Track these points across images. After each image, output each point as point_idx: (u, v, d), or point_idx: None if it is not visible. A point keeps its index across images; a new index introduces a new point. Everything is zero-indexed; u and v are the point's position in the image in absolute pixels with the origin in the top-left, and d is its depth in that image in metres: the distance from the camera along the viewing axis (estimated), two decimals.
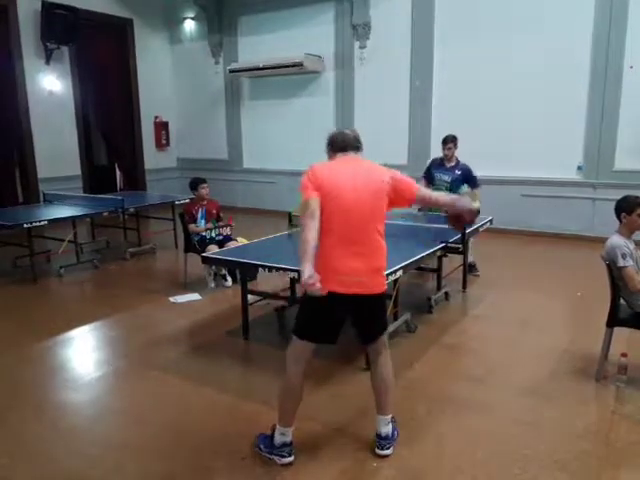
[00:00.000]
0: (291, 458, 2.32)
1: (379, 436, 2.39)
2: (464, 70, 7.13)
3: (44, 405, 2.92)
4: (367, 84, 8.00)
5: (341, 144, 2.34)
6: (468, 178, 5.06)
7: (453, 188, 5.05)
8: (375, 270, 2.24)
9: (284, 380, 2.36)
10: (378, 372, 2.41)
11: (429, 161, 5.42)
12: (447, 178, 5.08)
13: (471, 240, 5.13)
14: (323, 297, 2.09)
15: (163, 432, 2.62)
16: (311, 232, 2.07)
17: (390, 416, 2.42)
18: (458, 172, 5.07)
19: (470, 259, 5.13)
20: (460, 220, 2.48)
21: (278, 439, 2.33)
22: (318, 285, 1.97)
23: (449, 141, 5.07)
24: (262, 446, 2.39)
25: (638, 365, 3.11)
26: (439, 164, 5.20)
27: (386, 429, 2.39)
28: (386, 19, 7.67)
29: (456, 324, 4.06)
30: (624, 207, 2.95)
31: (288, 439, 2.33)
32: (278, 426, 2.34)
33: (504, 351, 3.58)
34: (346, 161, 2.31)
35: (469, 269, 5.12)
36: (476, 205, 2.46)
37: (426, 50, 7.39)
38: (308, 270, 1.99)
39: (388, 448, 2.37)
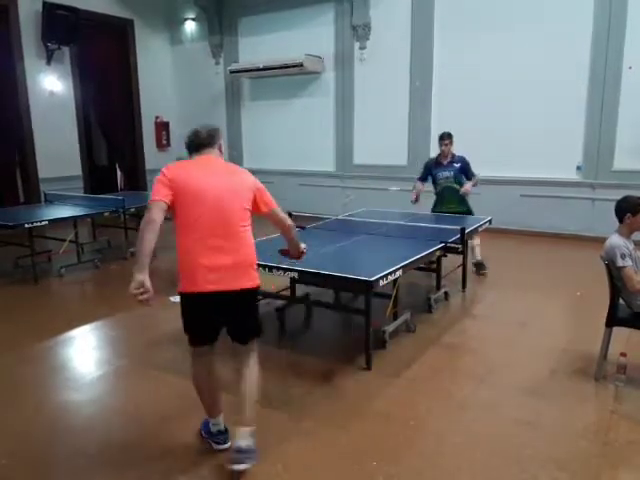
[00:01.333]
0: (226, 445, 2.39)
1: (238, 449, 2.18)
2: (464, 71, 7.15)
3: (45, 405, 2.92)
4: (367, 84, 8.01)
5: (195, 144, 2.36)
6: (466, 168, 5.23)
7: (457, 181, 5.23)
8: (242, 265, 2.23)
9: (191, 378, 2.39)
10: (245, 376, 2.31)
11: (424, 164, 5.48)
12: (449, 174, 5.22)
13: (477, 241, 5.18)
14: (192, 297, 2.20)
15: (163, 431, 2.63)
16: (149, 240, 2.15)
17: (252, 428, 2.24)
18: (457, 165, 5.22)
19: (478, 258, 5.22)
20: (288, 253, 2.77)
21: (212, 428, 2.44)
22: (145, 297, 2.07)
23: (445, 137, 5.22)
24: (203, 432, 2.50)
25: (637, 365, 3.12)
26: (436, 163, 5.30)
27: (247, 441, 2.19)
28: (386, 20, 7.68)
29: (456, 324, 4.07)
30: (629, 208, 2.96)
31: (221, 427, 2.43)
32: (208, 418, 2.44)
33: (504, 351, 3.59)
34: (204, 160, 2.33)
35: (477, 267, 5.24)
36: (303, 246, 2.71)
37: (426, 50, 7.40)
38: (137, 279, 2.09)
39: (245, 462, 2.17)
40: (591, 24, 6.32)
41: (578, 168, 6.71)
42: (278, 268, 3.22)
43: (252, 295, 2.33)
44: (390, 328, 3.59)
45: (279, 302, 4.08)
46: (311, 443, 2.50)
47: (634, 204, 2.95)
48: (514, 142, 6.91)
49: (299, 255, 2.73)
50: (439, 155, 5.30)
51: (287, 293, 4.17)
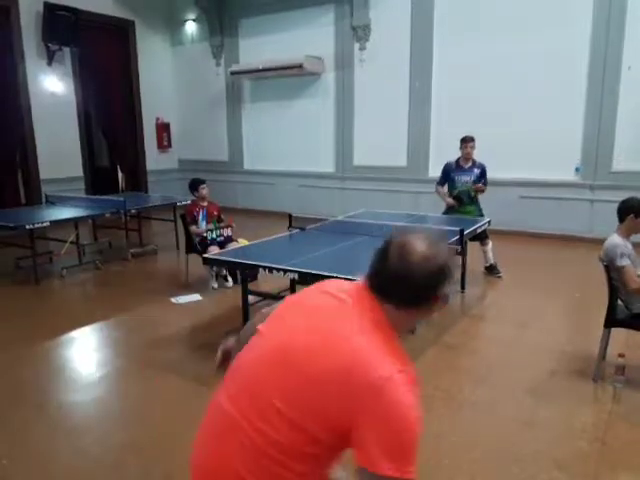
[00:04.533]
0: None
1: None
2: (463, 72, 7.16)
3: (45, 405, 2.94)
4: (367, 85, 8.03)
5: None
6: (484, 176, 5.20)
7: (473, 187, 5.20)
8: None
9: None
10: None
11: (443, 168, 5.37)
12: (468, 179, 5.19)
13: (489, 246, 5.18)
14: None
15: (163, 432, 2.64)
16: None
17: None
18: (477, 170, 5.18)
19: (491, 261, 5.24)
20: None
21: None
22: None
23: (469, 140, 5.17)
24: None
25: (635, 365, 3.14)
26: (457, 167, 5.25)
27: None
28: (386, 21, 7.70)
29: (455, 324, 4.08)
30: (633, 209, 2.96)
31: None
32: None
33: (503, 351, 3.61)
34: None
35: (490, 270, 5.27)
36: None
37: (425, 51, 7.42)
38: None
39: None
40: (590, 24, 6.33)
41: (577, 169, 6.72)
42: (278, 269, 3.24)
43: None
44: None
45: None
46: None
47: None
48: (513, 143, 6.92)
49: None
50: (459, 158, 5.23)
51: (287, 294, 4.18)
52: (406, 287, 1.12)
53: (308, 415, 1.06)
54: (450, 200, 5.23)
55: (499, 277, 5.24)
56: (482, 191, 5.23)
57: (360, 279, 1.25)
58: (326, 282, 1.34)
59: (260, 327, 1.25)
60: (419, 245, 1.13)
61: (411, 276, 1.11)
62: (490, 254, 5.26)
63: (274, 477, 1.09)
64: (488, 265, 5.30)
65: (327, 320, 1.15)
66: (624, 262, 2.88)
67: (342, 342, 1.09)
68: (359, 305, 1.17)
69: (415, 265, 1.11)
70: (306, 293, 1.31)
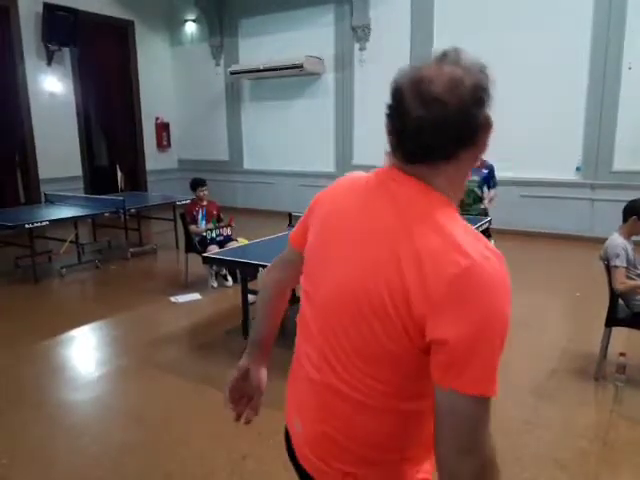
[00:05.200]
0: None
1: None
2: None
3: (45, 404, 2.93)
4: (367, 86, 8.02)
5: None
6: (490, 177, 5.17)
7: (481, 187, 5.17)
8: None
9: None
10: None
11: None
12: (477, 177, 5.14)
13: (492, 242, 5.17)
14: None
15: (163, 431, 2.63)
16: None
17: None
18: (485, 171, 5.14)
19: None
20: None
21: None
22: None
23: None
24: None
25: (637, 364, 3.13)
26: None
27: None
28: (386, 21, 7.70)
29: None
30: (636, 211, 2.95)
31: None
32: None
33: (503, 350, 3.59)
34: None
35: None
36: None
37: (426, 51, 7.41)
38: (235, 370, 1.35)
39: None
40: (590, 24, 6.33)
41: (578, 169, 6.72)
42: None
43: None
44: None
45: None
46: None
47: None
48: (514, 143, 6.90)
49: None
50: None
51: None
52: (443, 129, 0.83)
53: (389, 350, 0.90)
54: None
55: None
56: (491, 199, 5.18)
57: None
58: (328, 193, 1.04)
59: (304, 285, 1.08)
60: (437, 70, 0.89)
61: (443, 112, 0.82)
62: None
63: (376, 426, 0.96)
64: None
65: (366, 239, 0.90)
66: (617, 262, 2.88)
67: (397, 245, 0.84)
68: (389, 190, 0.90)
69: (442, 97, 0.83)
70: (322, 214, 1.02)
